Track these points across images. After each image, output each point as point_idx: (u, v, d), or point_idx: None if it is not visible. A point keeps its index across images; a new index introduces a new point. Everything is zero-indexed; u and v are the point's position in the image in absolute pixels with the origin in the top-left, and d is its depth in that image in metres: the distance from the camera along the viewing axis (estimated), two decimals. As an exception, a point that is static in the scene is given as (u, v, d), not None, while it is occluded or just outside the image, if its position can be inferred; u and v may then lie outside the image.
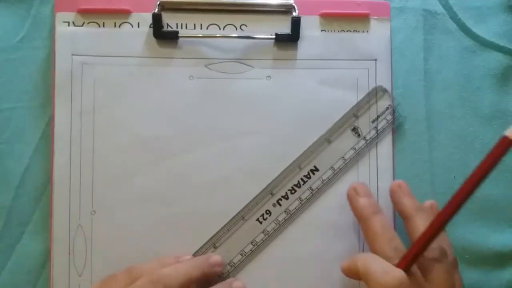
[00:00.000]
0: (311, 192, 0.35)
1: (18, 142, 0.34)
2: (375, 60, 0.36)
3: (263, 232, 0.34)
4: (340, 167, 0.35)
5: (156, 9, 0.34)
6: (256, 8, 0.35)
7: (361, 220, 0.32)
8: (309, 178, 0.35)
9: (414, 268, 0.29)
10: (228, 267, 0.34)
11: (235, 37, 0.35)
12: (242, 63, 0.35)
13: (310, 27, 0.35)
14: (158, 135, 0.34)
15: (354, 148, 0.35)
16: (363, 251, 0.35)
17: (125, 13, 0.35)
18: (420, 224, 0.30)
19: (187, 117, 0.35)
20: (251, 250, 0.34)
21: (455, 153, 0.36)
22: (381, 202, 0.35)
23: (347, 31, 0.36)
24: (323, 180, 0.35)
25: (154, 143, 0.34)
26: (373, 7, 0.36)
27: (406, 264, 0.28)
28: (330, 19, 0.36)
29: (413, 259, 0.28)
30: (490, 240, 0.36)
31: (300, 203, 0.35)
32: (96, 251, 0.33)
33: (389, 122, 0.35)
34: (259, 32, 0.35)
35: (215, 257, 0.33)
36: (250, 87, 0.35)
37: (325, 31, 0.36)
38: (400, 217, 0.33)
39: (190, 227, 0.34)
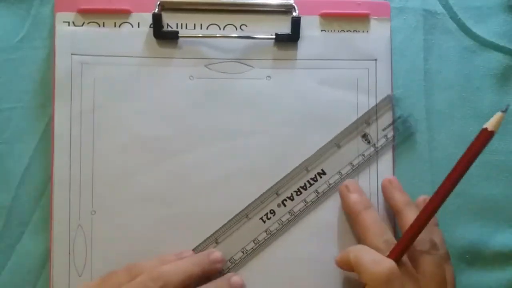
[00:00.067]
0: (317, 195, 0.35)
1: (18, 142, 0.34)
2: (375, 60, 0.36)
3: (266, 231, 0.34)
4: (348, 173, 0.35)
5: (156, 9, 0.34)
6: (256, 8, 0.35)
7: (352, 216, 0.33)
8: (316, 181, 0.35)
9: (405, 259, 0.30)
10: (229, 264, 0.34)
11: (235, 37, 0.35)
12: (242, 63, 0.35)
13: (310, 27, 0.35)
14: (158, 135, 0.34)
15: (363, 155, 0.35)
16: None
17: (125, 13, 0.35)
18: (411, 218, 0.31)
19: (187, 117, 0.35)
20: (252, 248, 0.34)
21: (455, 153, 0.36)
22: (382, 202, 0.35)
23: (347, 31, 0.36)
24: (329, 184, 0.35)
25: (154, 143, 0.34)
26: (373, 7, 0.36)
27: (396, 254, 0.29)
28: (330, 19, 0.36)
29: (402, 249, 0.29)
30: (490, 240, 0.36)
31: (305, 205, 0.35)
32: (96, 251, 0.33)
33: (400, 131, 0.35)
34: (259, 32, 0.35)
35: (215, 253, 0.33)
36: (250, 87, 0.35)
37: (325, 31, 0.36)
38: (392, 211, 0.34)
39: (190, 227, 0.34)
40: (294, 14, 0.35)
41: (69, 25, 0.34)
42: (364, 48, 0.36)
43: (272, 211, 0.34)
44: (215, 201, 0.34)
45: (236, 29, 0.35)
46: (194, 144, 0.34)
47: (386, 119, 0.35)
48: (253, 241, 0.34)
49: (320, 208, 0.35)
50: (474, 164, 0.36)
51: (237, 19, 0.35)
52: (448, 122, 0.36)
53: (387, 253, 0.29)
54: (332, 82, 0.35)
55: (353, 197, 0.33)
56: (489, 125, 0.27)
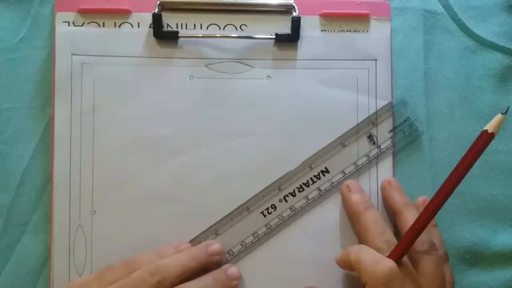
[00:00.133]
0: (319, 193, 0.35)
1: (18, 142, 0.34)
2: (375, 60, 0.36)
3: (265, 225, 0.34)
4: (351, 172, 0.35)
5: (156, 9, 0.34)
6: (256, 8, 0.35)
7: (354, 216, 0.33)
8: (319, 178, 0.35)
9: (405, 259, 0.30)
10: (227, 256, 0.34)
11: (235, 37, 0.35)
12: (242, 63, 0.35)
13: (310, 27, 0.35)
14: (158, 135, 0.34)
15: (368, 155, 0.35)
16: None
17: (125, 13, 0.35)
18: (410, 218, 0.31)
19: (187, 117, 0.35)
20: (251, 241, 0.34)
21: (455, 153, 0.36)
22: (382, 202, 0.35)
23: (347, 31, 0.36)
24: (332, 183, 0.35)
25: (154, 143, 0.34)
26: (373, 7, 0.36)
27: (396, 255, 0.29)
28: (330, 19, 0.36)
29: (403, 250, 0.29)
30: (490, 240, 0.36)
31: (307, 202, 0.35)
32: (96, 251, 0.33)
33: (405, 134, 0.35)
34: (259, 32, 0.35)
35: (214, 246, 0.32)
36: (250, 87, 0.35)
37: (325, 31, 0.36)
38: (391, 212, 0.34)
39: (190, 227, 0.34)
40: (294, 14, 0.35)
41: (69, 25, 0.34)
42: (364, 48, 0.36)
43: (273, 206, 0.34)
44: (215, 201, 0.34)
45: (236, 29, 0.35)
46: (194, 144, 0.34)
47: (392, 121, 0.35)
48: (253, 234, 0.34)
49: (321, 206, 0.35)
50: (474, 164, 0.36)
51: (237, 19, 0.35)
52: (448, 122, 0.36)
53: (388, 253, 0.29)
54: (332, 82, 0.35)
55: (355, 197, 0.33)
56: (489, 127, 0.27)
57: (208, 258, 0.32)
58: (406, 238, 0.29)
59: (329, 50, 0.35)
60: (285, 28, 0.35)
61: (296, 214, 0.34)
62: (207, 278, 0.31)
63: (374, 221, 0.32)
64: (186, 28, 0.35)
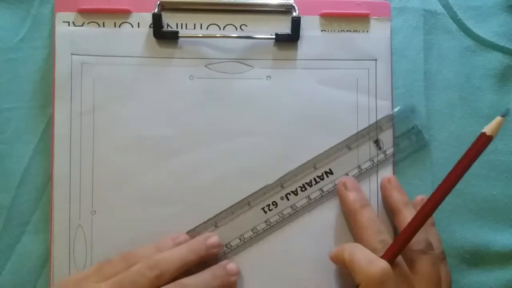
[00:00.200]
0: (321, 194, 0.35)
1: (18, 142, 0.34)
2: (375, 60, 0.36)
3: (265, 222, 0.34)
4: (355, 175, 0.35)
5: (156, 9, 0.34)
6: (256, 8, 0.35)
7: (350, 214, 0.33)
8: (322, 179, 0.35)
9: (400, 260, 0.30)
10: (225, 249, 0.34)
11: (235, 37, 0.35)
12: (242, 63, 0.35)
13: (310, 27, 0.35)
14: (158, 135, 0.34)
15: (372, 160, 0.35)
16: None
17: (125, 13, 0.35)
18: (408, 217, 0.31)
19: (187, 117, 0.35)
20: (250, 236, 0.34)
21: (455, 153, 0.36)
22: (379, 196, 0.35)
23: (347, 31, 0.36)
24: (335, 185, 0.35)
25: (154, 143, 0.34)
26: (373, 7, 0.36)
27: (390, 255, 0.29)
28: (330, 19, 0.36)
29: (397, 250, 0.29)
30: (490, 240, 0.36)
31: (308, 202, 0.35)
32: (96, 251, 0.33)
33: (412, 141, 0.35)
34: (259, 32, 0.35)
35: (212, 238, 0.32)
36: (250, 87, 0.35)
37: (325, 31, 0.36)
38: (389, 211, 0.34)
39: (190, 227, 0.34)
40: (294, 14, 0.35)
41: (69, 25, 0.34)
42: (364, 48, 0.36)
43: (274, 203, 0.34)
44: (215, 201, 0.34)
45: (236, 29, 0.35)
46: (194, 144, 0.34)
47: (400, 127, 0.35)
48: (252, 230, 0.34)
49: (322, 207, 0.35)
50: (474, 164, 0.36)
51: (237, 19, 0.35)
52: (448, 122, 0.36)
53: (382, 253, 0.29)
54: (332, 82, 0.35)
55: (351, 195, 0.33)
56: (488, 129, 0.27)
57: (206, 251, 0.32)
58: (401, 238, 0.29)
59: (329, 50, 0.35)
60: (285, 28, 0.35)
61: (296, 213, 0.34)
62: (206, 274, 0.31)
63: (370, 220, 0.32)
64: (186, 28, 0.35)
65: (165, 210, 0.34)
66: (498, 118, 0.27)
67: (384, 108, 0.35)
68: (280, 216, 0.34)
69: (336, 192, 0.35)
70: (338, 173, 0.35)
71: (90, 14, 0.35)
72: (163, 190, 0.34)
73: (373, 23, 0.36)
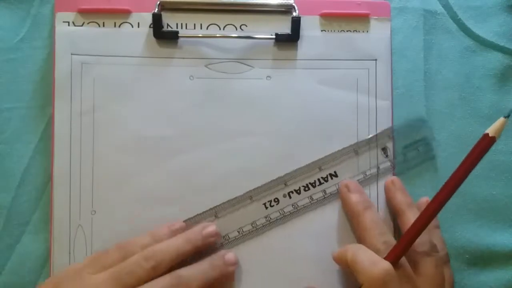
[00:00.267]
0: (324, 195, 0.35)
1: (18, 142, 0.34)
2: (375, 60, 0.36)
3: (265, 217, 0.34)
4: (359, 180, 0.35)
5: (156, 9, 0.34)
6: (256, 8, 0.35)
7: (353, 216, 0.33)
8: (326, 181, 0.35)
9: (404, 261, 0.29)
10: (223, 240, 0.34)
11: (235, 37, 0.35)
12: (242, 63, 0.35)
13: (310, 27, 0.35)
14: (158, 135, 0.34)
15: (378, 167, 0.35)
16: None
17: (125, 13, 0.35)
18: (412, 219, 0.31)
19: (187, 117, 0.35)
20: (249, 230, 0.34)
21: (455, 153, 0.36)
22: (381, 203, 0.35)
23: (347, 31, 0.36)
24: (338, 187, 0.35)
25: (154, 143, 0.34)
26: (373, 7, 0.36)
27: (394, 256, 0.29)
28: (330, 19, 0.36)
29: (401, 251, 0.29)
30: (490, 240, 0.36)
31: (310, 202, 0.35)
32: (96, 251, 0.33)
33: (420, 153, 0.35)
34: (259, 32, 0.35)
35: (209, 228, 0.32)
36: (250, 87, 0.35)
37: (325, 31, 0.36)
38: (393, 212, 0.34)
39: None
40: (294, 14, 0.35)
41: (69, 25, 0.34)
42: (364, 48, 0.36)
43: (276, 200, 0.34)
44: (215, 201, 0.34)
45: (236, 29, 0.35)
46: (194, 144, 0.34)
47: (409, 137, 0.35)
48: (251, 224, 0.34)
49: (324, 208, 0.35)
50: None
51: (237, 19, 0.35)
52: (448, 122, 0.36)
53: (386, 254, 0.29)
54: (332, 82, 0.35)
55: (354, 197, 0.33)
56: (491, 130, 0.26)
57: (203, 241, 0.32)
58: (404, 240, 0.29)
59: (329, 50, 0.35)
60: (285, 28, 0.35)
61: (297, 212, 0.34)
62: (203, 264, 0.31)
63: (373, 221, 0.32)
64: (186, 28, 0.35)
65: (165, 210, 0.34)
66: (501, 119, 0.26)
67: (384, 108, 0.35)
68: (280, 213, 0.34)
69: (338, 195, 0.35)
70: (343, 176, 0.35)
71: (90, 14, 0.35)
72: (163, 190, 0.34)
73: (373, 23, 0.36)
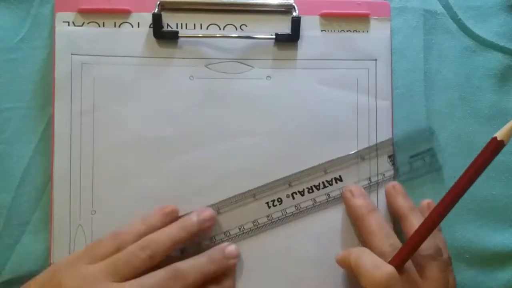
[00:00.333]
0: (327, 199, 0.35)
1: (18, 142, 0.34)
2: (375, 60, 0.36)
3: (267, 216, 0.34)
4: (364, 186, 0.35)
5: (156, 9, 0.34)
6: (256, 8, 0.35)
7: (357, 220, 0.33)
8: (331, 184, 0.35)
9: (409, 265, 0.29)
10: (223, 236, 0.34)
11: (235, 37, 0.35)
12: (242, 63, 0.35)
13: (310, 27, 0.35)
14: (158, 135, 0.34)
15: (383, 174, 0.35)
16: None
17: (125, 13, 0.35)
18: (415, 223, 0.31)
19: (187, 117, 0.35)
20: (250, 228, 0.34)
21: (455, 153, 0.36)
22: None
23: (347, 31, 0.36)
24: (342, 192, 0.35)
25: (154, 143, 0.34)
26: (373, 7, 0.36)
27: (399, 260, 0.29)
28: (330, 19, 0.36)
29: (406, 255, 0.29)
30: (490, 240, 0.36)
31: (313, 204, 0.35)
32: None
33: (425, 163, 0.35)
34: (259, 32, 0.35)
35: (205, 213, 0.32)
36: (250, 87, 0.35)
37: (325, 31, 0.36)
38: (395, 217, 0.34)
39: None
40: (294, 14, 0.35)
41: (69, 25, 0.34)
42: (364, 48, 0.36)
43: (279, 200, 0.34)
44: (215, 201, 0.34)
45: (236, 29, 0.35)
46: (194, 144, 0.34)
47: (416, 147, 0.35)
48: (253, 222, 0.34)
49: (326, 212, 0.35)
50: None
51: (237, 19, 0.35)
52: (448, 122, 0.36)
53: (392, 257, 0.29)
54: (332, 82, 0.35)
55: (358, 201, 0.33)
56: (499, 134, 0.25)
57: (199, 227, 0.32)
58: (410, 244, 0.28)
59: (329, 50, 0.35)
60: (285, 28, 0.35)
61: (300, 213, 0.35)
62: (202, 257, 0.31)
63: (378, 224, 0.32)
64: (186, 28, 0.35)
65: (165, 210, 0.34)
66: (510, 123, 0.25)
67: (384, 108, 0.35)
68: (283, 214, 0.34)
69: (342, 199, 0.35)
70: (348, 181, 0.35)
71: (90, 14, 0.35)
72: (163, 190, 0.34)
73: (373, 23, 0.36)
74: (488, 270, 0.36)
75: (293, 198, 0.35)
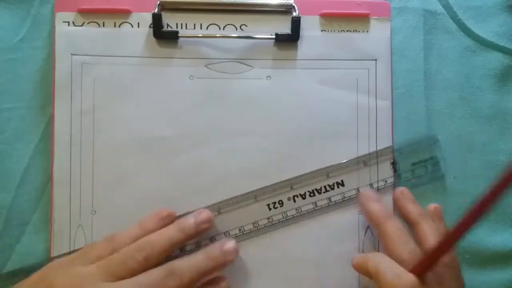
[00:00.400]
0: (328, 203, 0.35)
1: (18, 142, 0.34)
2: (375, 60, 0.36)
3: (268, 218, 0.34)
4: None
5: (156, 9, 0.34)
6: (256, 8, 0.35)
7: (376, 225, 0.33)
8: (332, 189, 0.35)
9: (429, 276, 0.29)
10: (223, 236, 0.34)
11: (235, 37, 0.35)
12: (242, 63, 0.35)
13: (310, 27, 0.35)
14: (158, 135, 0.34)
15: (385, 181, 0.35)
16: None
17: (125, 13, 0.35)
18: (427, 229, 0.31)
19: (187, 117, 0.35)
20: (250, 230, 0.34)
21: (455, 153, 0.36)
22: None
23: (347, 31, 0.36)
24: (344, 197, 0.35)
25: (154, 143, 0.34)
26: (373, 7, 0.36)
27: (420, 270, 0.28)
28: (330, 19, 0.36)
29: (428, 265, 0.28)
30: (490, 240, 0.36)
31: (314, 208, 0.35)
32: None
33: (427, 171, 0.35)
34: (259, 32, 0.35)
35: (202, 215, 0.32)
36: (250, 87, 0.35)
37: (325, 31, 0.36)
38: (406, 223, 0.34)
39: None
40: (294, 14, 0.35)
41: (69, 25, 0.34)
42: (364, 48, 0.36)
43: (280, 202, 0.34)
44: (215, 201, 0.34)
45: (236, 29, 0.35)
46: (194, 144, 0.34)
47: (419, 155, 0.35)
48: (253, 223, 0.34)
49: (326, 216, 0.35)
50: (474, 164, 0.36)
51: (237, 19, 0.35)
52: (448, 122, 0.36)
53: (411, 264, 0.29)
54: (332, 82, 0.35)
55: (375, 206, 0.33)
56: None
57: (196, 229, 0.31)
58: (432, 254, 0.28)
59: (329, 50, 0.35)
60: (285, 28, 0.35)
61: (300, 216, 0.34)
62: (199, 255, 0.30)
63: (397, 230, 0.31)
64: (186, 28, 0.35)
65: (165, 210, 0.34)
66: None
67: (384, 108, 0.35)
68: (283, 216, 0.34)
69: (344, 205, 0.35)
70: (349, 187, 0.35)
71: (90, 14, 0.35)
72: (163, 190, 0.34)
73: (373, 23, 0.36)
74: (488, 270, 0.36)
75: (294, 201, 0.35)
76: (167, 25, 0.35)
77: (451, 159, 0.36)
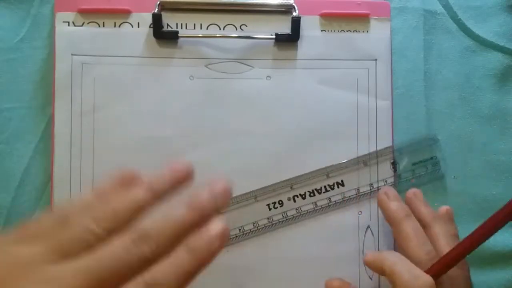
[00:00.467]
0: (328, 203, 0.35)
1: (18, 142, 0.34)
2: (375, 60, 0.36)
3: (268, 218, 0.34)
4: (365, 192, 0.35)
5: (156, 9, 0.34)
6: (256, 8, 0.35)
7: (394, 224, 0.32)
8: (332, 189, 0.35)
9: (444, 278, 0.29)
10: None
11: (235, 37, 0.35)
12: (242, 63, 0.35)
13: (310, 27, 0.35)
14: (158, 135, 0.34)
15: (385, 181, 0.35)
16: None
17: (125, 13, 0.35)
18: (439, 231, 0.31)
19: (187, 117, 0.35)
20: (250, 230, 0.34)
21: (455, 153, 0.36)
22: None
23: (347, 31, 0.36)
24: (344, 197, 0.35)
25: (154, 143, 0.34)
26: (373, 7, 0.36)
27: (436, 271, 0.28)
28: (330, 19, 0.36)
29: (445, 268, 0.28)
30: (490, 240, 0.36)
31: (314, 208, 0.35)
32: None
33: (427, 171, 0.35)
34: (259, 32, 0.35)
35: (219, 185, 0.26)
36: (250, 87, 0.35)
37: (325, 31, 0.36)
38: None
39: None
40: (294, 14, 0.35)
41: (69, 25, 0.34)
42: (364, 48, 0.36)
43: (280, 202, 0.34)
44: (215, 201, 0.34)
45: (236, 29, 0.35)
46: (194, 144, 0.34)
47: (419, 155, 0.35)
48: (253, 223, 0.34)
49: (326, 216, 0.35)
50: (474, 164, 0.36)
51: (237, 19, 0.35)
52: (448, 122, 0.36)
53: (428, 264, 0.29)
54: (332, 82, 0.35)
55: (394, 205, 0.33)
56: None
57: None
58: (450, 257, 0.28)
59: (329, 50, 0.35)
60: (285, 28, 0.35)
61: (300, 216, 0.35)
62: (178, 254, 0.21)
63: (415, 230, 0.31)
64: (186, 28, 0.35)
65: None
66: None
67: (384, 108, 0.35)
68: (283, 216, 0.34)
69: (344, 205, 0.35)
70: (349, 187, 0.35)
71: (90, 14, 0.34)
72: (163, 190, 0.34)
73: (373, 23, 0.36)
74: (488, 270, 0.36)
75: (294, 201, 0.35)
76: (167, 25, 0.35)
77: (451, 159, 0.36)
